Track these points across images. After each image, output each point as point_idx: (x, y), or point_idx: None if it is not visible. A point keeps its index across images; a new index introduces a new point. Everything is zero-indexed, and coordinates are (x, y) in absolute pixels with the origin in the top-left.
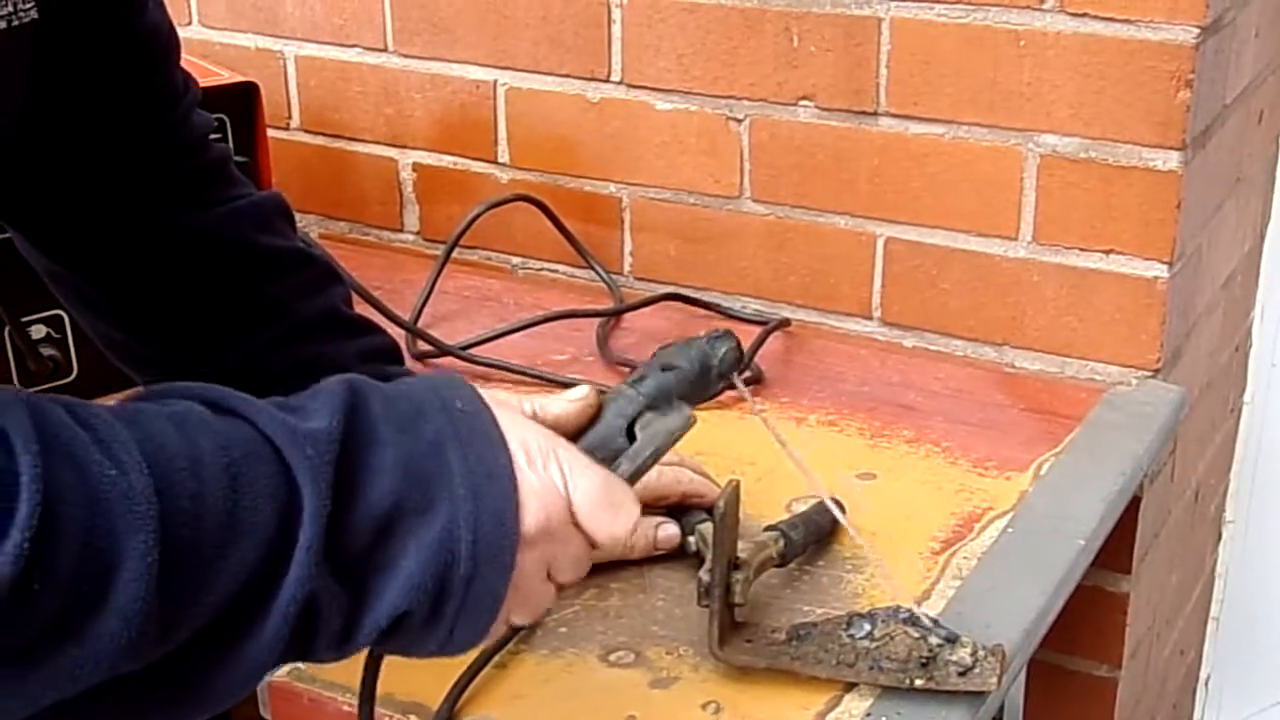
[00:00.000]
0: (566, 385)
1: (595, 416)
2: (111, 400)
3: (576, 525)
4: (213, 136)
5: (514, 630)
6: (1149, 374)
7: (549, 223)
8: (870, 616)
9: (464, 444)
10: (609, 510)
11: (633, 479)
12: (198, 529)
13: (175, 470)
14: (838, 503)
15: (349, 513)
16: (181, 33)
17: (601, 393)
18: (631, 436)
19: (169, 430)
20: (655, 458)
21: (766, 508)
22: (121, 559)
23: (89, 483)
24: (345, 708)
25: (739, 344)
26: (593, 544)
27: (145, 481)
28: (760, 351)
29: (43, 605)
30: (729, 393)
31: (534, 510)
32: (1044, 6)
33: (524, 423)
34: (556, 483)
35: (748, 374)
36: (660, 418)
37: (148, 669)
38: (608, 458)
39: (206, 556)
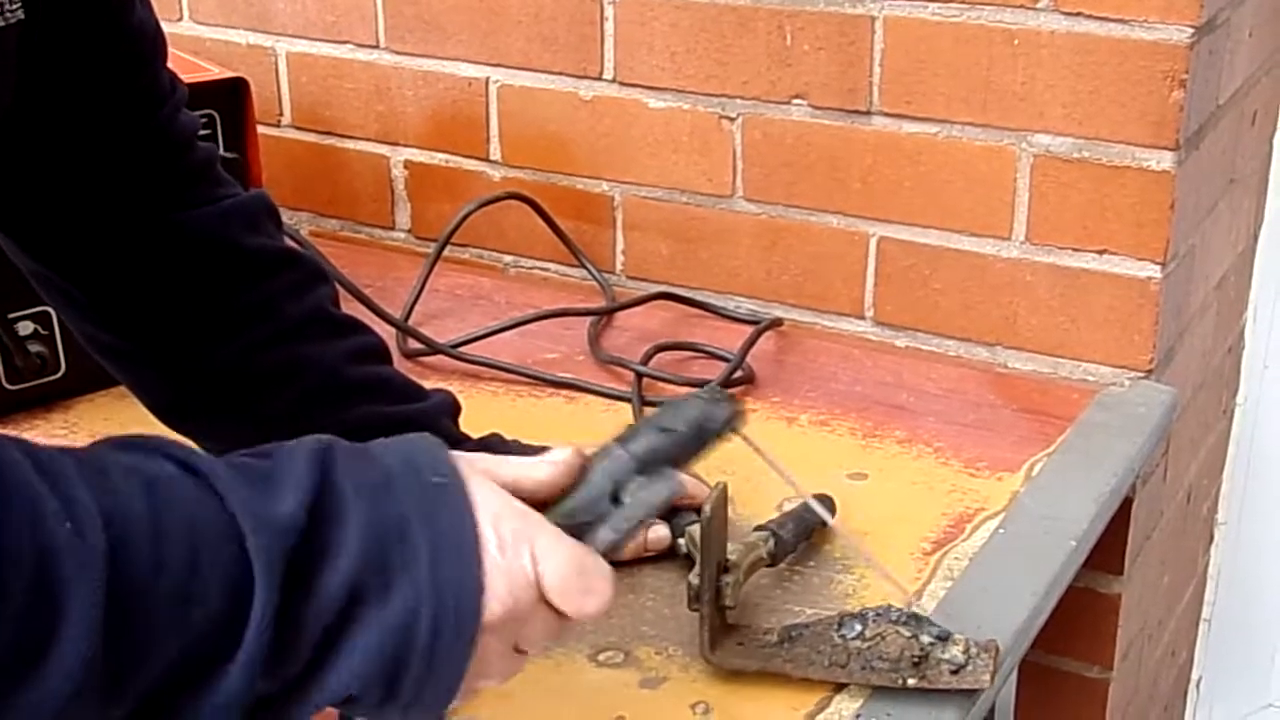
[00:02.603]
0: (558, 384)
1: (581, 475)
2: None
3: (546, 604)
4: (201, 133)
5: None
6: (1141, 375)
7: (541, 221)
8: (861, 616)
9: (432, 525)
10: (579, 593)
11: (612, 550)
12: (150, 595)
13: (134, 531)
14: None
15: (304, 598)
16: (172, 29)
17: (587, 452)
18: (617, 500)
19: (133, 490)
20: (640, 526)
21: (757, 507)
22: (69, 613)
23: (43, 533)
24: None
25: (740, 408)
26: (564, 620)
27: (100, 537)
28: (752, 351)
29: None
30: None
31: (500, 596)
32: (1037, 6)
33: (499, 498)
34: (525, 565)
35: (738, 373)
36: (649, 484)
37: None
38: (591, 521)
39: (156, 623)
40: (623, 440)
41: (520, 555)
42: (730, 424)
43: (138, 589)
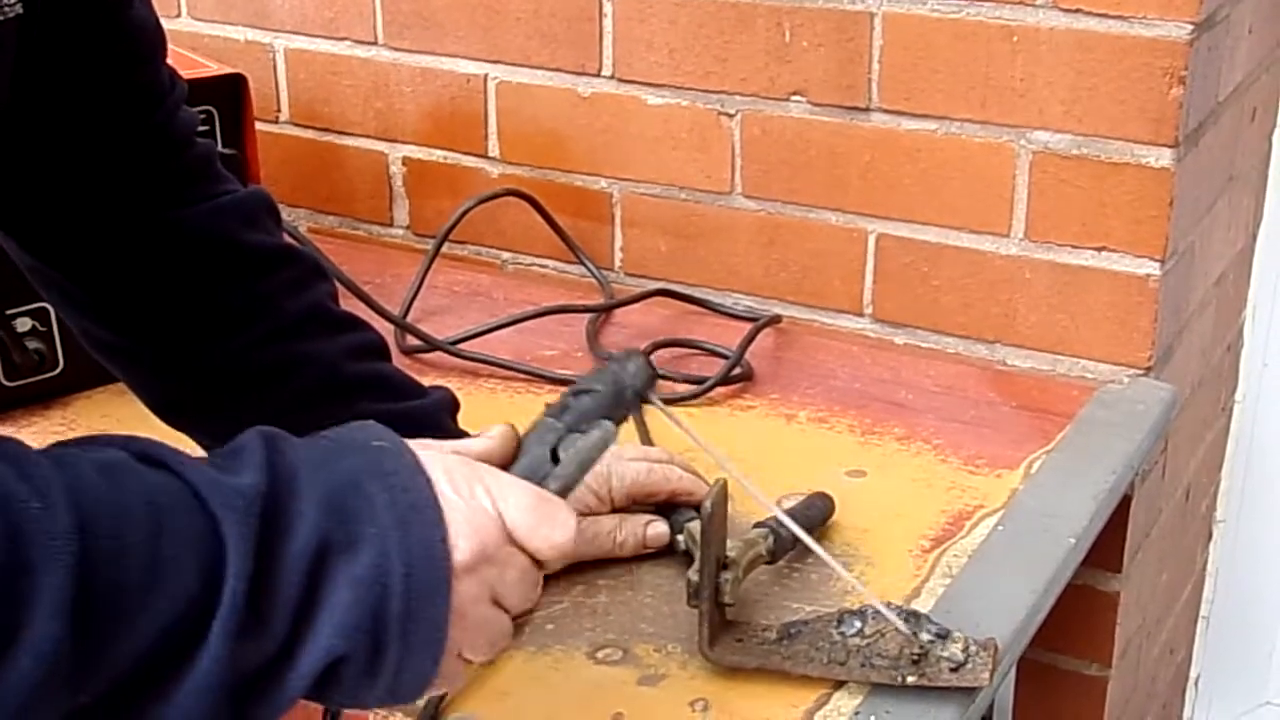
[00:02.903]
0: (556, 381)
1: (517, 450)
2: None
3: (514, 543)
4: (200, 129)
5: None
6: (1140, 372)
7: (539, 218)
8: (861, 613)
9: (385, 478)
10: (545, 523)
11: (562, 494)
12: (119, 572)
13: (100, 512)
14: (824, 497)
15: (274, 561)
16: (170, 25)
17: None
18: (556, 460)
19: (96, 475)
20: (582, 471)
21: (757, 505)
22: (38, 594)
23: (11, 516)
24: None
25: (649, 361)
26: (536, 561)
27: (68, 519)
28: (750, 348)
29: None
30: (720, 389)
31: (465, 534)
32: (1036, 2)
33: (444, 456)
34: (485, 505)
35: (737, 370)
36: (582, 437)
37: None
38: (537, 483)
39: (126, 601)
40: (550, 411)
41: (477, 495)
42: (643, 375)
43: (107, 566)
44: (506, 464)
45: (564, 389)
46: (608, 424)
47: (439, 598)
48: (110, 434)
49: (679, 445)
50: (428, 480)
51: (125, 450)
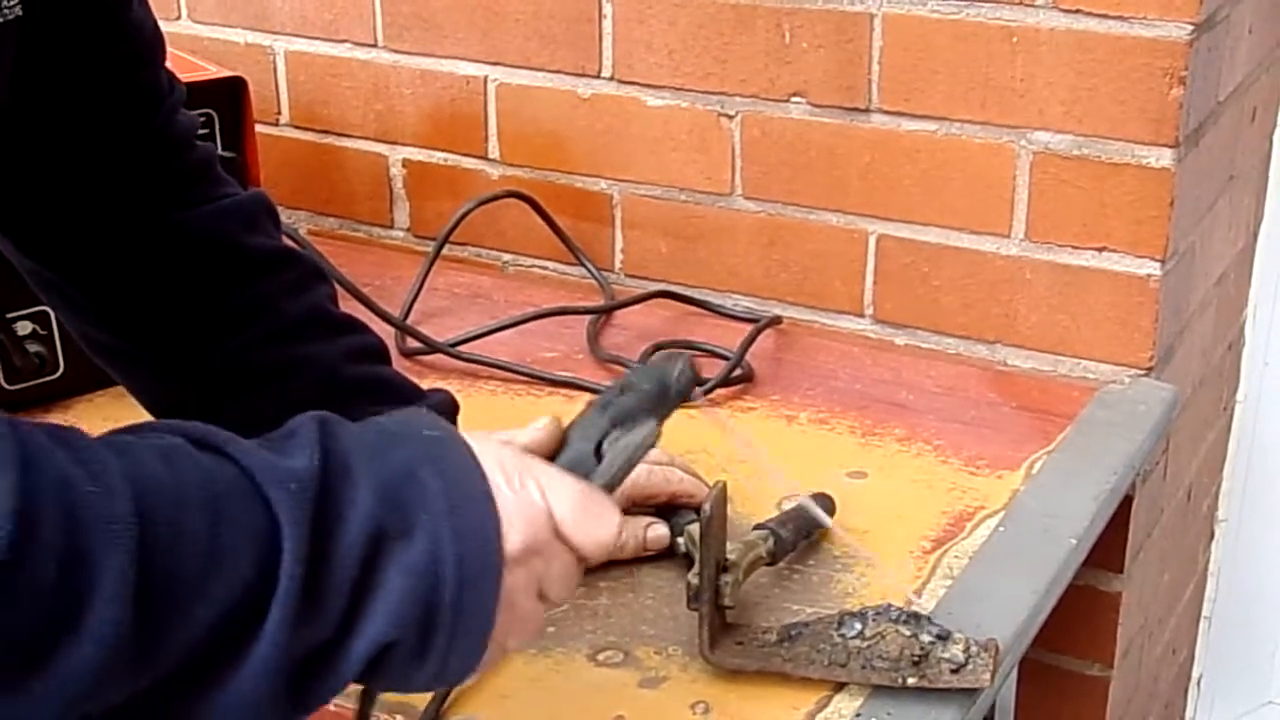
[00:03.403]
0: (556, 383)
1: (562, 443)
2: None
3: (561, 538)
4: (200, 132)
5: None
6: (1141, 372)
7: (539, 219)
8: (861, 615)
9: (439, 466)
10: (591, 519)
11: (606, 490)
12: (177, 557)
13: (158, 497)
14: (825, 498)
15: (330, 546)
16: (170, 27)
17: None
18: (600, 456)
19: (153, 460)
20: (627, 469)
21: (757, 506)
22: (99, 579)
23: (70, 501)
24: (332, 707)
25: (694, 363)
26: (580, 555)
27: (127, 505)
28: (751, 349)
29: (15, 623)
30: (720, 390)
31: (517, 526)
32: (1036, 3)
33: (495, 445)
34: (535, 498)
35: (737, 372)
36: (626, 434)
37: (120, 716)
38: (581, 477)
39: (185, 586)
40: (595, 406)
41: (527, 488)
42: (687, 376)
43: (165, 552)
44: (551, 457)
45: (564, 389)
46: (652, 423)
47: (489, 587)
48: (166, 420)
49: (680, 447)
50: (481, 470)
51: (181, 436)
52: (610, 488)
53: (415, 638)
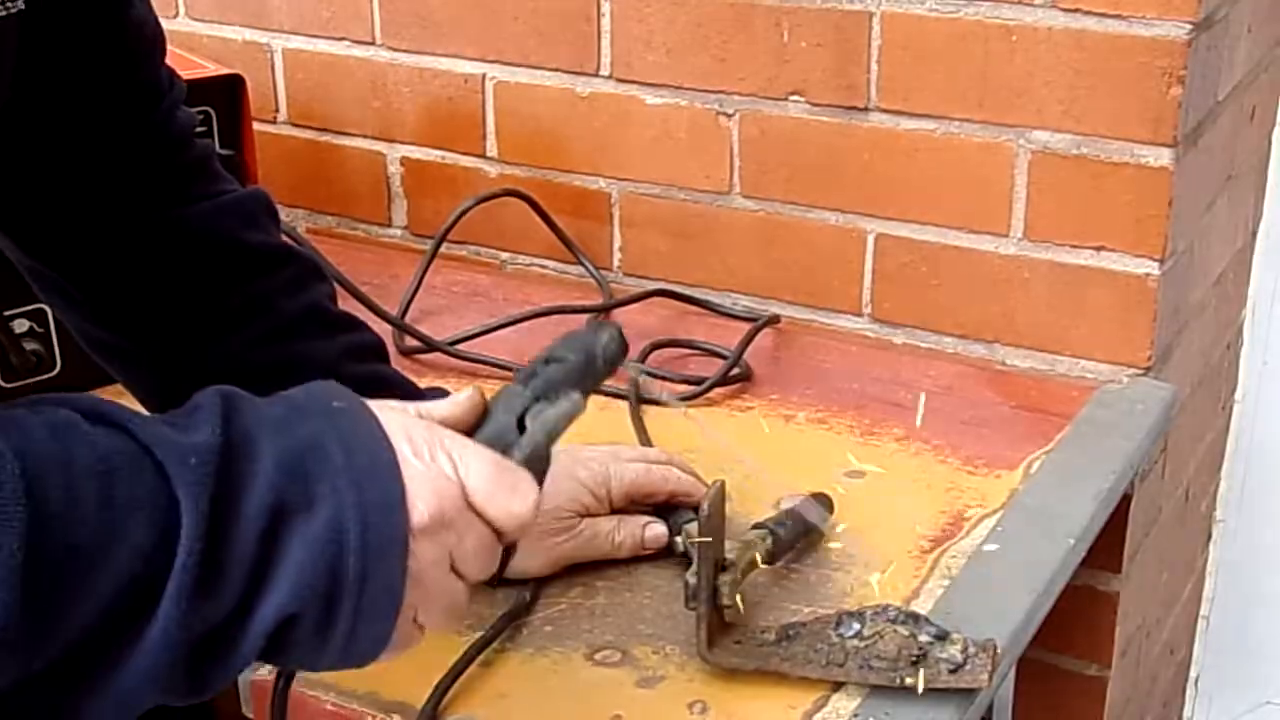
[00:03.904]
0: None
1: (483, 416)
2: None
3: (474, 510)
4: (198, 129)
5: (500, 626)
6: (1140, 372)
7: (538, 218)
8: (859, 615)
9: (344, 438)
10: (505, 490)
11: (527, 463)
12: (69, 534)
13: (48, 476)
14: (823, 498)
15: (230, 519)
16: (168, 25)
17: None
18: (523, 429)
19: (43, 436)
20: (549, 442)
21: (755, 505)
22: None
23: None
24: (329, 706)
25: (621, 331)
26: (495, 530)
27: (16, 484)
28: (749, 348)
29: None
30: (718, 389)
31: (424, 497)
32: (1035, 2)
33: (406, 418)
34: (446, 469)
35: (736, 370)
36: (550, 406)
37: (13, 700)
38: (502, 451)
39: (78, 565)
40: (519, 378)
41: (438, 459)
42: (614, 346)
43: (56, 532)
44: (471, 430)
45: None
46: (576, 395)
47: (395, 558)
48: (60, 394)
49: (677, 445)
50: (387, 441)
51: (75, 410)
52: (530, 460)
53: (319, 611)
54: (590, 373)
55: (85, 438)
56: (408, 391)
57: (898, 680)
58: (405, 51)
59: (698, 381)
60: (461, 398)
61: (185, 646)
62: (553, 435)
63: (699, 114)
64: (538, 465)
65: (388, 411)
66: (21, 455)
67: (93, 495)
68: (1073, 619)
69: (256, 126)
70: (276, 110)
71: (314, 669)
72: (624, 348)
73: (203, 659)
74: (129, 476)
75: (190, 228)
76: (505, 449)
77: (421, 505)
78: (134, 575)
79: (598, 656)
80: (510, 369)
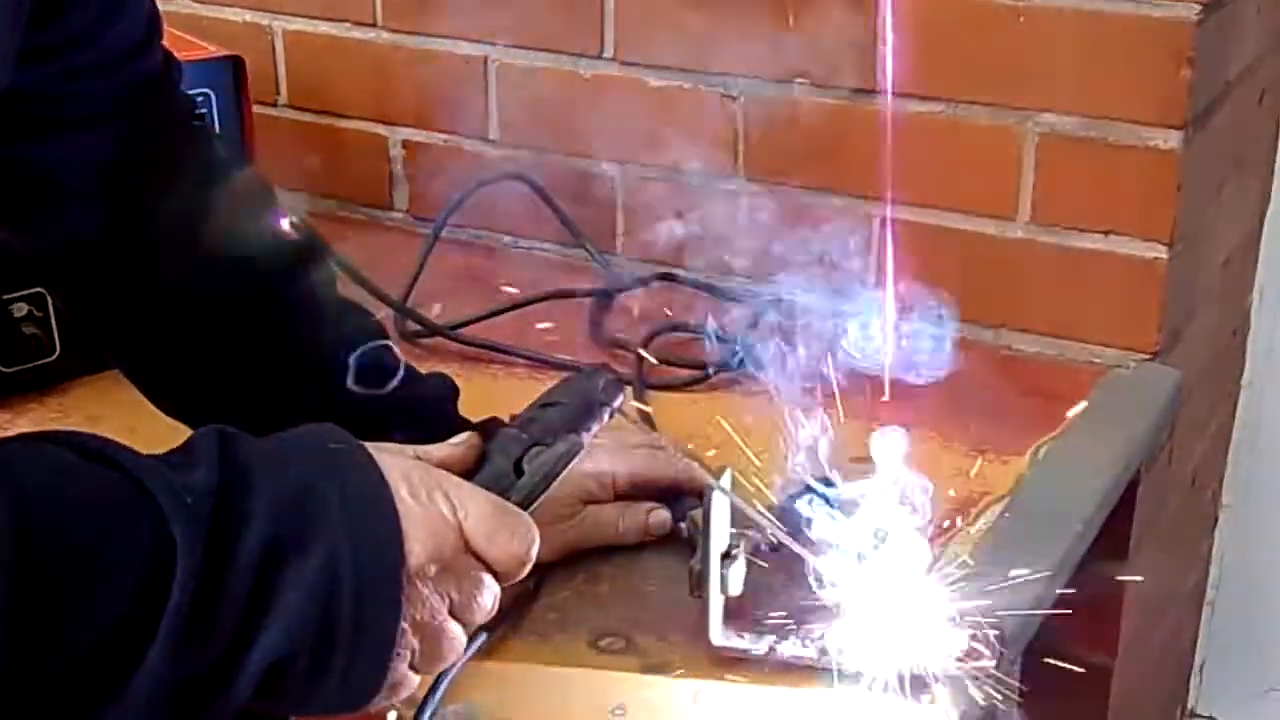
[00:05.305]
0: (557, 366)
1: (481, 460)
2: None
3: (472, 552)
4: (197, 112)
5: (499, 619)
6: (1148, 356)
7: (540, 201)
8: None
9: (339, 480)
10: (504, 532)
11: (525, 506)
12: (60, 575)
13: (39, 514)
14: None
15: (225, 559)
16: (168, 7)
17: (487, 437)
18: (520, 472)
19: (36, 474)
20: (547, 483)
21: (760, 492)
22: None
23: None
24: None
25: (618, 376)
26: (494, 573)
27: (5, 521)
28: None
29: None
30: (721, 375)
31: (421, 539)
32: None
33: (405, 460)
34: (443, 511)
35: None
36: (547, 450)
37: None
38: (499, 493)
39: (68, 602)
40: (516, 422)
41: (435, 501)
42: (611, 390)
43: (46, 569)
44: (469, 473)
45: (565, 374)
46: (573, 437)
47: (390, 601)
48: (57, 430)
49: (683, 433)
50: (384, 484)
51: (70, 446)
52: (527, 502)
53: (312, 653)
54: (588, 415)
55: (79, 475)
56: (409, 377)
57: (905, 667)
58: (407, 33)
59: (701, 366)
60: (458, 441)
61: (177, 686)
62: (550, 477)
63: (703, 96)
64: (531, 504)
65: (386, 454)
66: (11, 490)
67: (85, 535)
68: (1078, 606)
69: (257, 109)
70: (277, 92)
71: (307, 711)
72: (620, 391)
73: (195, 699)
74: (124, 515)
75: (186, 212)
76: (503, 491)
77: (418, 547)
78: (125, 614)
79: (602, 643)
80: (513, 353)
